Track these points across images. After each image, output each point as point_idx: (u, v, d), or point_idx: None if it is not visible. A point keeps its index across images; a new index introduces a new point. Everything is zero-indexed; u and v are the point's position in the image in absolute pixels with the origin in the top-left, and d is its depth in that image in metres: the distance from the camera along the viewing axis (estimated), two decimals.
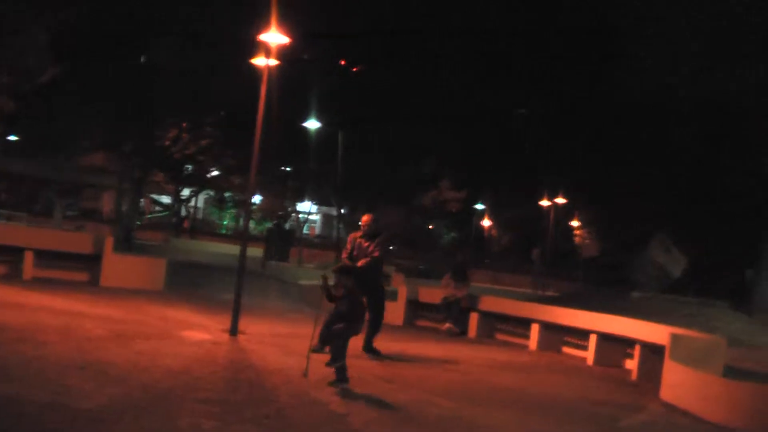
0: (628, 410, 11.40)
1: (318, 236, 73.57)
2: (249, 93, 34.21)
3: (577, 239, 64.81)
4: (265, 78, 14.07)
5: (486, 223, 63.89)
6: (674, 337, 12.92)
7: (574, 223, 60.71)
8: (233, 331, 13.67)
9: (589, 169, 43.24)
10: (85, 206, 60.49)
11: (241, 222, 70.39)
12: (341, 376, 10.21)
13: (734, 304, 24.13)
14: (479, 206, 53.13)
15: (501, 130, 46.53)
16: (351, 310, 10.51)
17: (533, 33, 36.86)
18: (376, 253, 12.84)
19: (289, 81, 28.91)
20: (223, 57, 31.09)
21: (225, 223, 74.72)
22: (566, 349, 17.17)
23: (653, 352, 14.32)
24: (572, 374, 14.35)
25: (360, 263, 12.56)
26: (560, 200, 45.26)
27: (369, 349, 12.81)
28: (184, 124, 35.40)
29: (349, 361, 10.36)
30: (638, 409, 11.56)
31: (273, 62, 14.73)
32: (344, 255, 13.32)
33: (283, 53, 15.20)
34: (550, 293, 36.37)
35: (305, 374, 10.45)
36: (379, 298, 13.04)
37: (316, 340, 11.06)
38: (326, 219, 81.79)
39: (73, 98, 27.86)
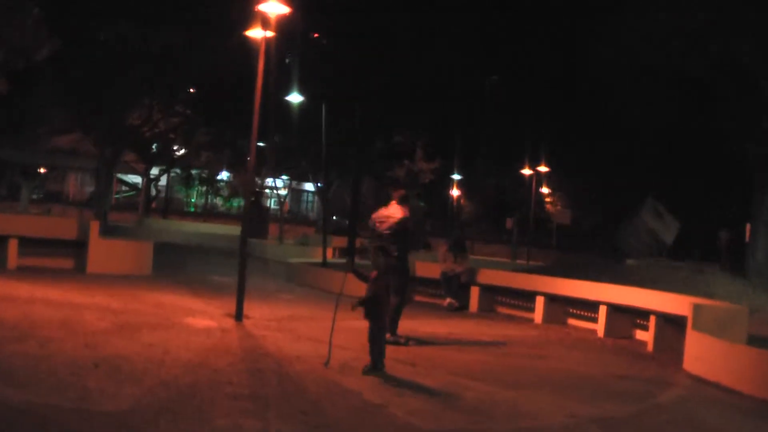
0: (658, 385, 10.99)
1: (289, 212, 72.87)
2: (224, 68, 33.48)
3: (548, 207, 64.56)
4: (262, 51, 13.37)
5: (455, 192, 63.36)
6: (696, 307, 12.52)
7: (544, 190, 60.32)
8: (238, 316, 13.14)
9: (573, 136, 42.97)
10: (49, 189, 59.38)
11: (210, 199, 69.51)
12: (379, 364, 9.75)
13: (723, 267, 23.91)
14: (456, 176, 52.53)
15: (477, 98, 46.03)
16: (375, 294, 10.10)
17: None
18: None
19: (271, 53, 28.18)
20: (197, 32, 30.15)
21: (192, 200, 73.81)
22: (572, 321, 16.78)
23: (668, 322, 13.97)
24: (588, 348, 13.94)
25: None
26: (543, 168, 44.84)
27: (393, 332, 12.26)
28: (155, 103, 34.41)
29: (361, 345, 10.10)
30: (668, 384, 11.16)
31: (270, 34, 14.03)
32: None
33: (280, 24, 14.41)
34: (534, 263, 36.03)
35: (326, 363, 9.92)
36: (405, 280, 12.55)
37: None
38: (294, 194, 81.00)
39: (52, 77, 26.88)
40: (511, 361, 11.89)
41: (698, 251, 38.71)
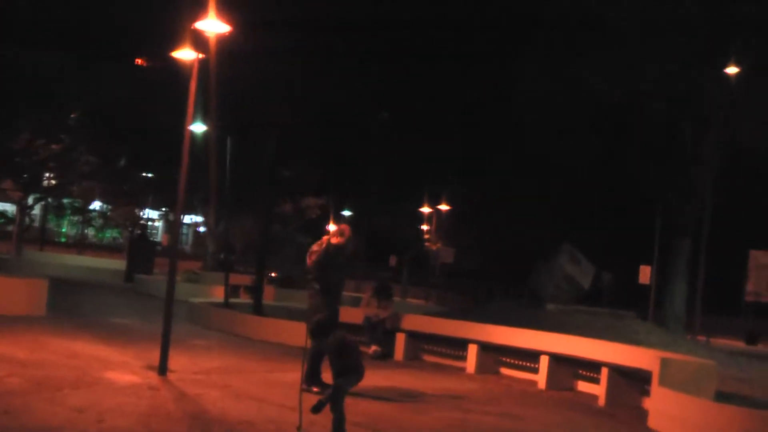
0: None
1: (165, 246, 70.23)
2: (108, 93, 31.71)
3: (428, 245, 64.15)
4: (194, 74, 12.08)
5: (332, 228, 62.07)
6: (664, 362, 11.78)
7: (424, 228, 59.99)
8: (162, 370, 11.70)
9: (458, 176, 42.75)
10: None
11: (82, 230, 66.36)
12: (342, 428, 8.60)
13: (640, 314, 23.72)
14: (346, 212, 51.58)
15: (367, 134, 45.39)
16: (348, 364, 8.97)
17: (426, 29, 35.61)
18: None
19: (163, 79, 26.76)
20: (83, 55, 28.39)
21: (64, 230, 70.53)
22: (505, 371, 15.88)
23: (623, 376, 13.25)
24: (540, 403, 13.03)
25: None
26: (443, 207, 44.42)
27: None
28: (39, 128, 32.20)
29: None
30: None
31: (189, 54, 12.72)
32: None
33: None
34: (434, 304, 35.26)
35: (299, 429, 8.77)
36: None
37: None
38: (169, 226, 78.50)
39: None
40: (477, 419, 10.83)
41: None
